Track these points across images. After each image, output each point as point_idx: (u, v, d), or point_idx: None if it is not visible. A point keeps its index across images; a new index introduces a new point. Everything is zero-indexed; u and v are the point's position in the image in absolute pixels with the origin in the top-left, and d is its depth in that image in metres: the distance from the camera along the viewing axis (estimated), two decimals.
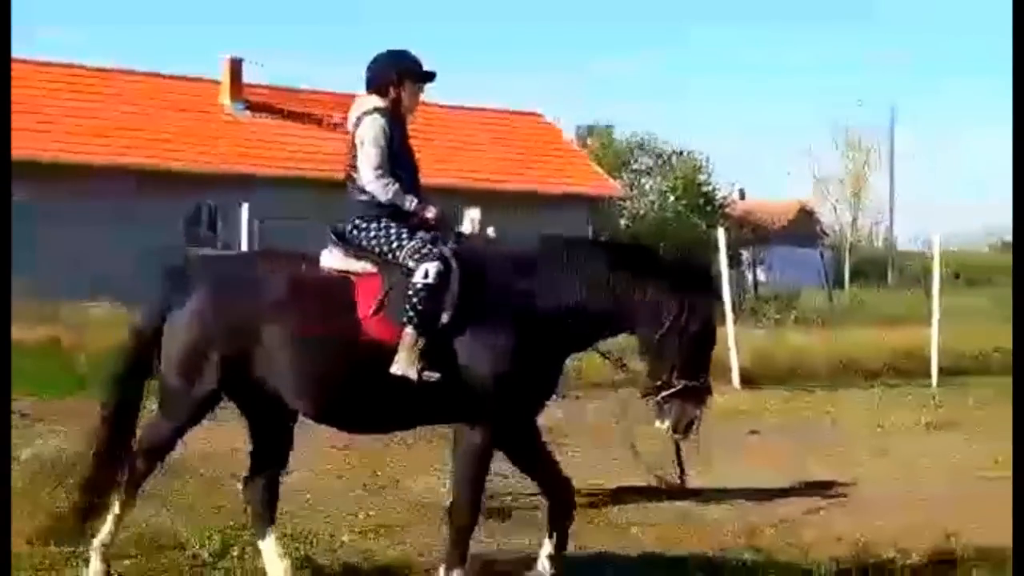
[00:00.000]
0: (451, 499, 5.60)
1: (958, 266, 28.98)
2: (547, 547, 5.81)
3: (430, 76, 5.86)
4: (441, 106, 37.29)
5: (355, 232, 5.60)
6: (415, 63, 5.82)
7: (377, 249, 5.53)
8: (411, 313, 5.27)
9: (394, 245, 5.49)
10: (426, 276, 5.31)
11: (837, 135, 48.64)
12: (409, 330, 5.26)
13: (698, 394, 5.45)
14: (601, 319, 5.51)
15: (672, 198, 47.51)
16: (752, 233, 43.68)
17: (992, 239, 32.92)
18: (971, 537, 6.81)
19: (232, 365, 5.44)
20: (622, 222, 46.32)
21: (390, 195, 5.58)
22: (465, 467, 5.50)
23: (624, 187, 44.25)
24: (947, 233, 25.08)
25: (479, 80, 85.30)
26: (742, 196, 58.48)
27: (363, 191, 5.62)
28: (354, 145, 5.69)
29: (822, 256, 37.09)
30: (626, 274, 5.45)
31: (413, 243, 5.46)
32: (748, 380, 14.79)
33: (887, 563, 6.43)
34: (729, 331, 14.96)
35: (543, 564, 5.80)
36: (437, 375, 5.26)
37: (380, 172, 5.57)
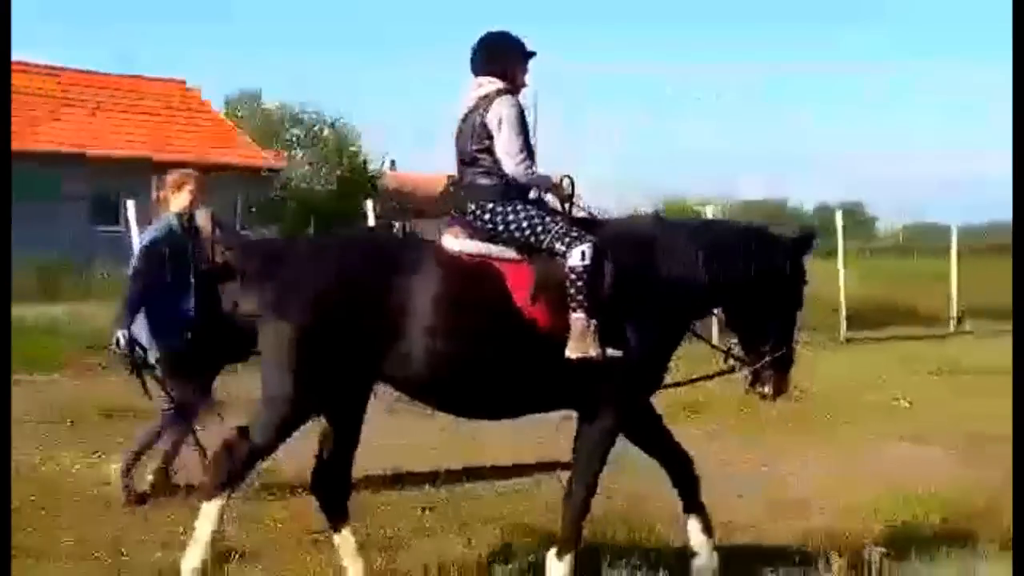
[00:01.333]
0: (571, 482, 5.51)
1: None
2: (694, 523, 5.78)
3: (534, 54, 5.73)
4: (80, 72, 35.24)
5: (489, 216, 5.43)
6: (525, 43, 5.72)
7: (518, 233, 5.38)
8: (579, 297, 5.20)
9: (538, 229, 5.36)
10: (584, 258, 5.22)
11: None
12: (580, 315, 5.19)
13: (790, 358, 5.69)
14: (714, 295, 5.62)
15: (325, 170, 47.23)
16: (400, 204, 44.06)
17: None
18: None
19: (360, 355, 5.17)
20: (273, 194, 45.59)
21: (531, 178, 5.50)
22: (593, 449, 5.45)
23: (277, 158, 43.56)
24: None
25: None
26: (393, 167, 59.01)
27: (491, 173, 5.47)
28: (480, 127, 5.48)
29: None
30: (733, 250, 5.59)
31: (558, 227, 5.37)
32: None
33: None
34: None
35: (697, 540, 5.75)
36: (620, 352, 5.22)
37: (524, 155, 5.44)
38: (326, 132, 48.22)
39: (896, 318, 20.37)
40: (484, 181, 5.51)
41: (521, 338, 5.25)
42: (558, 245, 5.31)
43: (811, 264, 5.86)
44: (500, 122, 5.44)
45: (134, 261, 7.47)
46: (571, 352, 5.19)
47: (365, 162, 50.24)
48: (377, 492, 7.54)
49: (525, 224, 5.40)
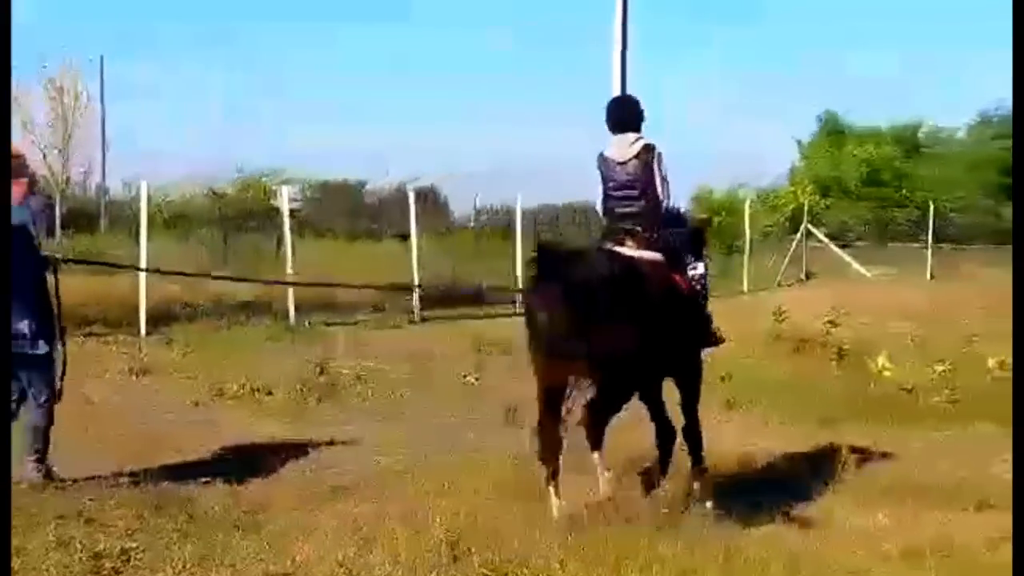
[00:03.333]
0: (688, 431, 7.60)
1: (171, 212, 29.35)
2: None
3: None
4: None
5: (651, 234, 7.38)
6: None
7: (669, 247, 7.49)
8: (704, 293, 7.83)
9: (677, 245, 7.64)
10: (704, 270, 7.88)
11: (43, 79, 46.80)
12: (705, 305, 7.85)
13: None
14: None
15: None
16: None
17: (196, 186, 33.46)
18: None
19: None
20: None
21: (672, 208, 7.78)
22: (696, 398, 7.70)
23: None
24: (158, 179, 25.12)
25: None
26: None
27: (655, 206, 7.45)
28: (644, 169, 7.46)
29: (30, 203, 35.52)
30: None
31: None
32: None
33: None
34: None
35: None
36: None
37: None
38: None
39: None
40: (639, 209, 7.44)
41: (683, 317, 7.35)
42: (690, 257, 7.79)
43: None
44: (663, 172, 7.48)
45: None
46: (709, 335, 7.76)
47: None
48: None
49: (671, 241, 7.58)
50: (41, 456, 7.33)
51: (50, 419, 7.38)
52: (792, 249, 31.65)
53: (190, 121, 63.64)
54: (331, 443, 8.90)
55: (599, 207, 7.66)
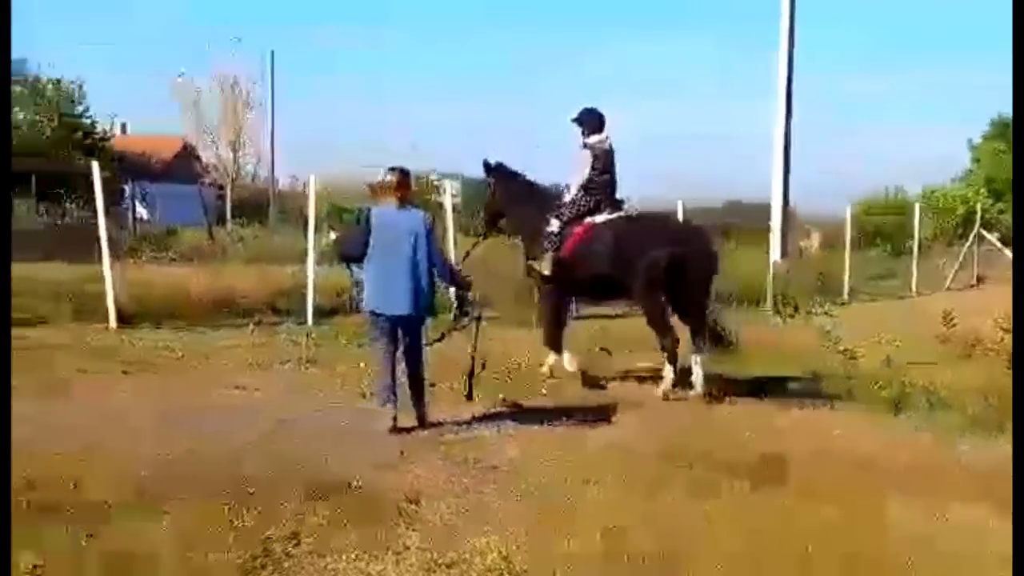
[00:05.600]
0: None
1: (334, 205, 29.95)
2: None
3: None
4: None
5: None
6: None
7: None
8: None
9: None
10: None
11: (216, 74, 48.39)
12: None
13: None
14: None
15: (50, 129, 44.93)
16: (131, 167, 42.42)
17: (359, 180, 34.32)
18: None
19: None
20: None
21: None
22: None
23: None
24: (325, 174, 25.60)
25: None
26: (124, 130, 56.61)
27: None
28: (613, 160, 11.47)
29: (202, 193, 36.84)
30: None
31: None
32: (125, 319, 14.41)
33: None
34: (106, 268, 14.49)
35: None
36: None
37: None
38: (48, 90, 45.80)
39: None
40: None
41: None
42: None
43: None
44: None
45: None
46: None
47: (92, 123, 48.07)
48: None
49: None
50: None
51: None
52: (963, 252, 30.59)
53: (354, 117, 65.11)
54: (491, 432, 8.94)
55: (599, 187, 11.29)
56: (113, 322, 14.30)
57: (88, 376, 10.68)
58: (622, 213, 11.37)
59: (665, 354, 10.87)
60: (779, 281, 21.46)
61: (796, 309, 18.98)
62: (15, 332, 13.12)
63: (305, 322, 15.47)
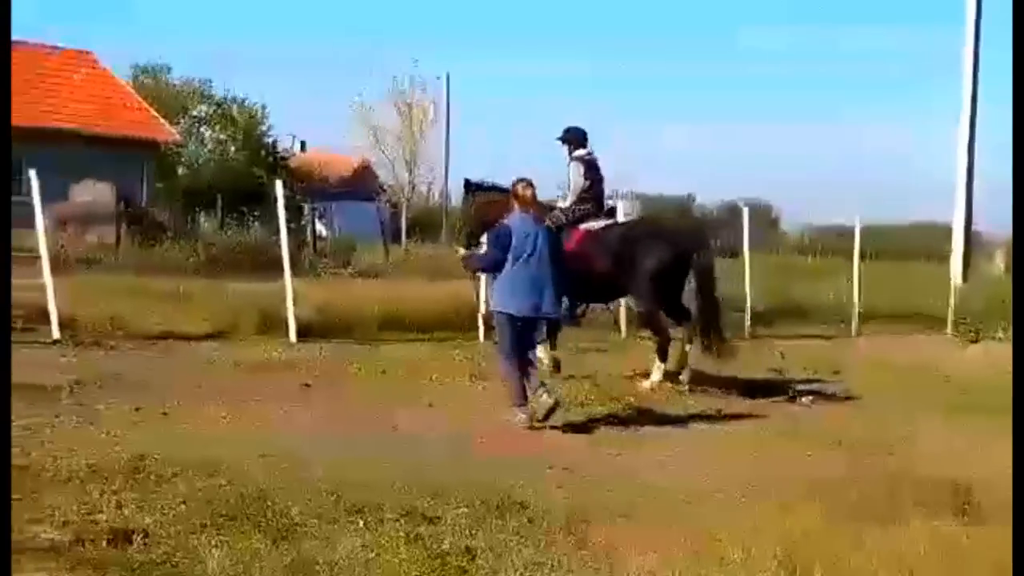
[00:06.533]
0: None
1: None
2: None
3: None
4: None
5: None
6: None
7: None
8: None
9: None
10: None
11: (394, 94, 49.56)
12: None
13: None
14: None
15: (234, 148, 46.58)
16: (311, 185, 43.68)
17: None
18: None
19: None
20: (180, 169, 44.77)
21: None
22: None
23: (182, 134, 42.74)
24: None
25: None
26: (303, 148, 58.43)
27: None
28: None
29: (379, 211, 37.71)
30: None
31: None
32: (304, 333, 14.86)
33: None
34: (287, 284, 14.99)
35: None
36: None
37: None
38: (234, 111, 47.57)
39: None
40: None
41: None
42: None
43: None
44: None
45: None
46: None
47: (274, 142, 49.70)
48: None
49: None
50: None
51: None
52: None
53: (530, 137, 65.91)
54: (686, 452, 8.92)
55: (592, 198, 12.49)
56: (293, 336, 14.75)
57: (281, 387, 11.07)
58: (618, 219, 13.23)
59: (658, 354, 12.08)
60: (961, 305, 20.76)
61: (977, 334, 18.32)
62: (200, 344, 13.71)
63: (476, 339, 15.66)
